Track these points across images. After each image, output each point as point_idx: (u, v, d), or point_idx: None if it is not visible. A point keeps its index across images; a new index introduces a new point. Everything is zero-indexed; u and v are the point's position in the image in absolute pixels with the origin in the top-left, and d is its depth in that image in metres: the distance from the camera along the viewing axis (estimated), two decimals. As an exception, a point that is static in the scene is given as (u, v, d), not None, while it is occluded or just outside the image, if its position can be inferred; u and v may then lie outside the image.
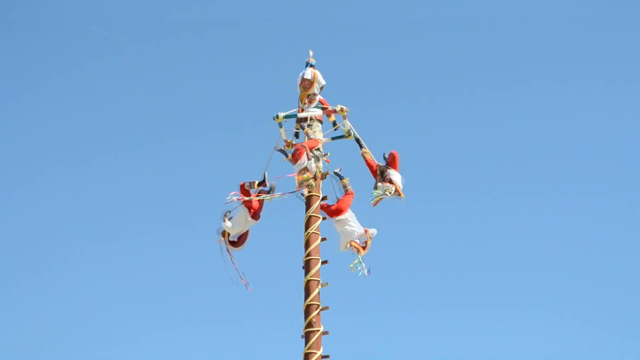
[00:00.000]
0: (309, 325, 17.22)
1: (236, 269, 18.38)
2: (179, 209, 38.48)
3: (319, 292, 17.51)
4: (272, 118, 18.90)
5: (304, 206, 18.28)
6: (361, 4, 44.53)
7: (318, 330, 17.19)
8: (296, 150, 18.28)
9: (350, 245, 18.44)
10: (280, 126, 18.95)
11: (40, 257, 38.42)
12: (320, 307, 17.40)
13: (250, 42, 43.78)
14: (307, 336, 17.22)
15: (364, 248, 18.47)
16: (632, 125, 40.20)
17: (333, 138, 19.28)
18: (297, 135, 19.02)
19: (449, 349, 34.15)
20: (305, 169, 18.07)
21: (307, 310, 17.37)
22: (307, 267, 17.75)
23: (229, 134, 41.17)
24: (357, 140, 19.19)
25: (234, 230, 18.50)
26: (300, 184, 17.98)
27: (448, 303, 36.17)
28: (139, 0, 43.87)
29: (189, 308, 36.07)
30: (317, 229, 18.04)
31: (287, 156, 18.64)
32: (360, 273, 18.28)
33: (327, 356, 17.15)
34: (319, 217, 18.16)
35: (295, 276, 17.93)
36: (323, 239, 18.05)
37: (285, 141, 18.96)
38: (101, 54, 42.56)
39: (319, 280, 17.61)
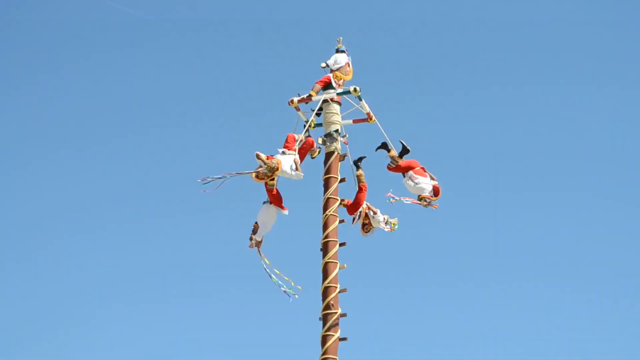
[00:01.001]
0: (327, 307, 17.21)
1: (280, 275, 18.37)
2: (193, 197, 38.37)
3: (337, 274, 17.48)
4: (287, 104, 18.84)
5: (322, 188, 18.24)
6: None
7: (336, 313, 17.18)
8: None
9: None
10: (298, 109, 18.89)
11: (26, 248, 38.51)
12: (339, 289, 17.39)
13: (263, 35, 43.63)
14: (324, 318, 17.22)
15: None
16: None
17: (355, 121, 19.13)
18: (318, 114, 18.85)
19: (468, 334, 34.16)
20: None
21: (325, 293, 17.36)
22: (325, 249, 17.73)
23: (245, 120, 41.04)
24: (383, 147, 18.96)
25: (265, 227, 18.40)
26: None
27: (469, 287, 36.11)
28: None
29: (205, 285, 36.16)
30: (335, 211, 17.99)
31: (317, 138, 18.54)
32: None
33: (344, 338, 17.15)
34: (337, 199, 18.11)
35: (313, 258, 17.97)
36: (341, 221, 18.00)
37: (306, 121, 18.85)
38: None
39: (337, 263, 17.58)
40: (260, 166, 17.60)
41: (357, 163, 18.88)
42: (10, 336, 35.03)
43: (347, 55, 19.34)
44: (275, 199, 18.18)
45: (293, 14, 43.56)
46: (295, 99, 18.75)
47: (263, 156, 17.61)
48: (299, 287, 18.28)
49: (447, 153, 39.03)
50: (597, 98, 40.92)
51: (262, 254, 18.47)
